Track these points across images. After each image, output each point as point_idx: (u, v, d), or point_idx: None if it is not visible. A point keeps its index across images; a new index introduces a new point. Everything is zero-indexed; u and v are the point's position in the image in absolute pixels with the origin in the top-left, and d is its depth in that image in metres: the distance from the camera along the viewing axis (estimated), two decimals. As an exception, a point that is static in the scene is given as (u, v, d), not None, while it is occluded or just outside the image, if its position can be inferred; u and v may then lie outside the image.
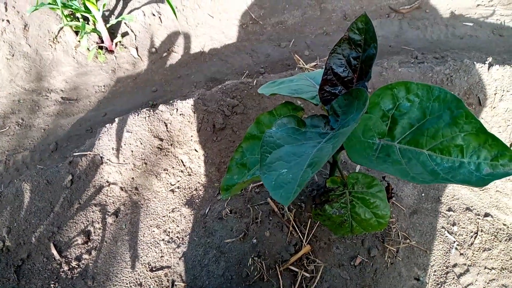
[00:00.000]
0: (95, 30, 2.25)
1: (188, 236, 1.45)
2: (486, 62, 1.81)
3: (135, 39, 2.37)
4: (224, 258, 1.33)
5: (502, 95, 1.75)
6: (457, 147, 0.71)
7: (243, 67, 2.25)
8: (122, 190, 1.60)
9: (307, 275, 1.29)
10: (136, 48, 2.34)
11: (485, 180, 0.67)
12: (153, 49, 2.34)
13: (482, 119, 1.75)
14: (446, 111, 0.74)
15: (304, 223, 1.37)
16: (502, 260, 1.47)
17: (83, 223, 1.52)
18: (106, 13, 2.43)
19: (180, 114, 1.69)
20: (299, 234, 1.34)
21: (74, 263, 1.42)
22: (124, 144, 1.65)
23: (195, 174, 1.62)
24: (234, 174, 1.02)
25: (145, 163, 1.63)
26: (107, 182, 1.61)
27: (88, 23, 2.27)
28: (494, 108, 1.75)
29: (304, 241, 1.32)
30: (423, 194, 1.61)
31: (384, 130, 0.82)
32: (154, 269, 1.41)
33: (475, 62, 1.82)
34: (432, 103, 0.77)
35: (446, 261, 1.45)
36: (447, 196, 1.61)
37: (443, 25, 2.43)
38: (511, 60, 1.91)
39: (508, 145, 1.66)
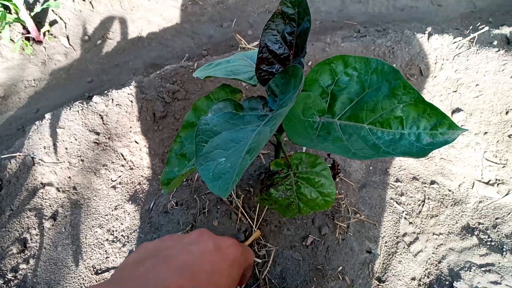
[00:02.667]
0: (18, 19, 2.07)
1: (133, 234, 1.38)
2: (425, 32, 1.82)
3: (65, 28, 2.20)
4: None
5: (442, 64, 1.77)
6: (397, 119, 0.69)
7: (185, 50, 2.16)
8: (58, 191, 1.50)
9: (259, 260, 1.26)
10: (67, 37, 2.18)
11: (425, 150, 0.65)
12: (86, 37, 2.19)
13: (424, 89, 1.77)
14: (384, 83, 0.72)
15: (253, 208, 1.33)
16: (448, 225, 1.51)
17: (18, 231, 1.40)
18: (30, 1, 2.24)
19: (116, 105, 1.59)
20: (249, 220, 1.30)
21: (10, 275, 1.31)
22: (57, 142, 1.53)
23: (137, 167, 1.54)
24: (174, 166, 0.96)
25: (82, 160, 1.53)
26: (42, 184, 1.50)
27: (9, 12, 2.08)
28: (435, 77, 1.77)
29: (254, 227, 1.29)
30: (371, 168, 1.62)
31: (324, 107, 0.79)
32: (99, 271, 1.34)
33: (415, 33, 1.82)
34: (370, 76, 0.74)
35: (396, 232, 1.47)
36: (394, 167, 1.62)
37: (383, -3, 2.44)
38: (449, 29, 1.94)
39: (450, 113, 1.70)
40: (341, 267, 1.33)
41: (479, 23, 2.02)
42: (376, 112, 0.72)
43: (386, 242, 1.44)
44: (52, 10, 2.21)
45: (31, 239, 1.40)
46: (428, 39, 1.80)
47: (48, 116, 1.58)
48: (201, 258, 0.46)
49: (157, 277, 0.41)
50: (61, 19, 2.21)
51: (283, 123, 0.74)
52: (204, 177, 0.62)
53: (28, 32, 2.11)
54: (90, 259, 1.36)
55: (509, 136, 1.63)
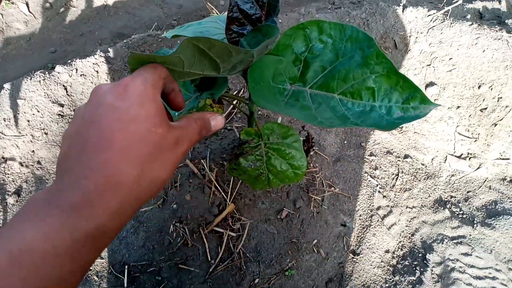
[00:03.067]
0: (-29, -17, 1.92)
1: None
2: (400, 4, 1.80)
3: (24, -6, 2.06)
4: (143, 228, 1.23)
5: (417, 37, 1.76)
6: (369, 90, 0.66)
7: (153, 20, 2.06)
8: (22, 165, 1.41)
9: (233, 234, 1.23)
10: (27, 4, 2.04)
11: (395, 124, 0.62)
12: (48, 4, 2.05)
13: (399, 63, 1.76)
14: (358, 51, 0.68)
15: (227, 182, 1.29)
16: (421, 198, 1.52)
17: (-24, 207, 1.32)
18: (-16, -37, 2.08)
19: (81, 75, 1.49)
20: (223, 193, 1.26)
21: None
22: (18, 114, 1.44)
23: (105, 140, 1.46)
24: None
25: (46, 133, 1.44)
26: (3, 158, 1.41)
27: (-38, -24, 1.92)
28: (409, 50, 1.76)
29: (228, 200, 1.25)
30: (345, 142, 1.60)
31: (296, 75, 0.74)
32: (66, 248, 1.28)
33: (390, 5, 1.80)
34: (345, 44, 0.70)
35: (370, 205, 1.47)
36: (369, 141, 1.62)
37: (357, -30, 2.39)
38: (424, 2, 1.92)
39: (423, 87, 1.69)
40: (316, 240, 1.32)
41: (453, -2, 2.01)
42: (348, 82, 0.68)
43: (360, 216, 1.44)
44: (10, -25, 2.06)
45: (-9, 216, 1.32)
46: (403, 11, 1.78)
47: (7, 86, 1.47)
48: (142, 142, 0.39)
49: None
50: (19, -16, 2.06)
51: (250, 86, 0.69)
52: None
53: (-17, -2, 1.97)
54: (56, 236, 1.29)
55: (481, 110, 1.65)
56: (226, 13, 0.95)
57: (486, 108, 1.64)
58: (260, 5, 0.75)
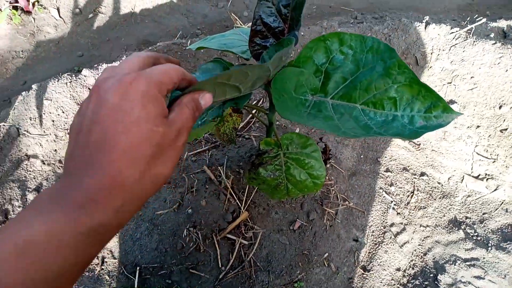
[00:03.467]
0: (7, -13, 2.00)
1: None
2: (423, 21, 1.80)
3: (56, -1, 2.14)
4: (157, 230, 1.25)
5: (438, 54, 1.75)
6: (391, 100, 0.67)
7: (178, 28, 2.11)
8: (44, 163, 1.46)
9: (245, 242, 1.24)
10: (58, 9, 2.12)
11: (418, 133, 0.63)
12: (77, 10, 2.13)
13: (420, 79, 1.75)
14: (379, 62, 0.69)
15: (242, 190, 1.31)
16: (436, 217, 1.51)
17: (-1, 202, 1.37)
18: (20, -31, 2.17)
19: (106, 79, 1.54)
20: (237, 201, 1.28)
21: (-12, 246, 1.28)
22: (44, 113, 1.49)
23: (125, 143, 1.50)
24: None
25: (69, 134, 1.49)
26: (26, 155, 1.46)
27: (-2, -20, 2.01)
28: (430, 67, 1.76)
29: (242, 208, 1.27)
30: (362, 156, 1.60)
31: (317, 86, 0.76)
32: (82, 246, 1.31)
33: (412, 21, 1.80)
34: (365, 55, 0.71)
35: (383, 221, 1.46)
36: (385, 157, 1.61)
37: (382, -14, 2.41)
38: (447, 20, 1.92)
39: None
40: (327, 254, 1.32)
41: (476, 16, 2.00)
42: (370, 92, 0.69)
43: (373, 231, 1.44)
44: (43, -20, 2.14)
45: (13, 211, 1.36)
46: (425, 28, 1.78)
47: (35, 87, 1.53)
48: (146, 138, 0.40)
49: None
50: (52, -11, 2.14)
51: (274, 98, 0.71)
52: None
53: (17, 1, 2.05)
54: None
55: (501, 131, 1.63)
56: (248, 25, 0.97)
57: (506, 129, 1.63)
58: (283, 18, 0.77)
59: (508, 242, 1.46)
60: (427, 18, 1.80)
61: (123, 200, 0.39)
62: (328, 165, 1.45)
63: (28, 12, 2.09)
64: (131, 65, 0.44)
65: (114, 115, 0.39)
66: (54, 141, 1.48)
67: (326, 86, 0.75)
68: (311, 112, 0.72)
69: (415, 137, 0.62)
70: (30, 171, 1.44)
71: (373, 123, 0.67)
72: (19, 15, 2.07)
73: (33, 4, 2.10)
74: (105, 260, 1.27)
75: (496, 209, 1.54)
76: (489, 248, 1.45)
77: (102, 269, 1.26)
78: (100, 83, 0.42)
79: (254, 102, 1.58)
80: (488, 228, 1.50)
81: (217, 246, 1.22)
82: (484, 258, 1.43)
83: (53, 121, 1.49)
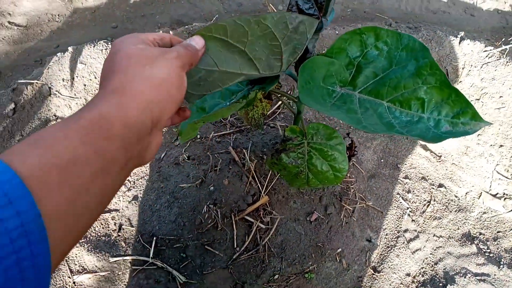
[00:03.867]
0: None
1: (140, 180, 1.36)
2: (458, 35, 1.80)
3: (96, -31, 2.16)
4: (177, 203, 1.26)
5: (470, 70, 1.75)
6: (418, 101, 0.66)
7: (213, 13, 2.12)
8: (70, 126, 1.47)
9: (263, 226, 1.25)
10: (97, -22, 2.14)
11: (441, 137, 0.61)
12: (117, -18, 2.15)
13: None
14: (412, 61, 0.68)
15: (264, 175, 1.32)
16: (450, 229, 1.51)
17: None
18: None
19: (141, 51, 1.56)
20: (258, 185, 1.29)
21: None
22: (77, 77, 1.51)
23: (153, 116, 1.51)
24: (192, 118, 0.94)
25: (99, 99, 1.50)
26: (55, 116, 1.47)
27: None
28: (460, 82, 1.76)
29: (262, 192, 1.28)
30: (382, 160, 1.61)
31: (347, 78, 0.75)
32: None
33: (447, 35, 1.81)
34: (400, 52, 0.71)
35: (398, 226, 1.46)
36: (405, 164, 1.62)
37: (418, -2, 2.41)
38: (481, 39, 1.92)
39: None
40: (340, 249, 1.32)
41: (511, 38, 2.00)
42: (398, 90, 0.68)
43: (387, 234, 1.44)
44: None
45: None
46: (459, 43, 1.78)
47: (70, 49, 1.55)
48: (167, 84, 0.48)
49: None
50: (93, -41, 2.16)
51: (299, 84, 0.71)
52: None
53: (59, -33, 2.07)
54: (93, 197, 1.34)
55: (524, 152, 1.63)
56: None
57: (529, 152, 1.62)
58: (318, 6, 0.77)
59: (519, 263, 1.46)
60: (462, 33, 1.81)
61: (120, 97, 0.44)
62: (350, 163, 1.46)
63: (69, -22, 2.12)
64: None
65: (113, 51, 0.50)
66: (83, 105, 1.49)
67: (356, 79, 0.75)
68: (336, 103, 0.72)
69: (437, 141, 0.61)
70: (56, 131, 1.45)
71: (397, 122, 0.66)
72: (59, -20, 2.09)
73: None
74: (122, 227, 1.28)
75: (511, 229, 1.54)
76: (501, 266, 1.45)
77: (119, 235, 1.27)
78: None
79: (286, 91, 1.59)
80: (502, 247, 1.50)
81: (234, 226, 1.23)
82: (495, 275, 1.43)
83: (84, 85, 1.50)
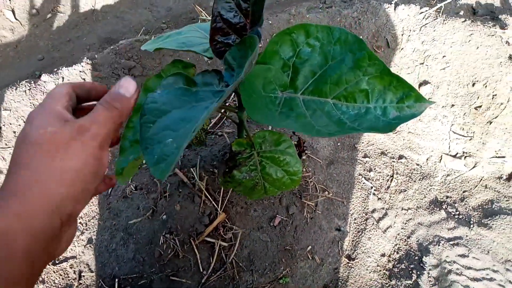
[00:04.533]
0: (-45, -9, 1.88)
1: (92, 221, 1.29)
2: (392, 2, 1.77)
3: (10, 0, 2.02)
4: (132, 240, 1.20)
5: (409, 35, 1.73)
6: (362, 92, 0.65)
7: (142, 23, 2.02)
8: (9, 177, 1.38)
9: (225, 244, 1.20)
10: (13, 11, 2.00)
11: (392, 125, 0.61)
12: (34, 11, 2.02)
13: (392, 62, 1.73)
14: (348, 54, 0.66)
15: (218, 190, 1.27)
16: (417, 199, 1.50)
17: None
18: (-32, -30, 2.04)
19: (67, 84, 1.47)
20: (213, 202, 1.24)
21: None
22: (3, 125, 1.41)
23: (94, 149, 1.44)
24: (128, 155, 0.87)
25: (33, 144, 1.41)
26: (-11, 170, 1.38)
27: None
28: (402, 49, 1.74)
29: (219, 209, 1.23)
30: (339, 144, 1.58)
31: (286, 82, 0.72)
32: (57, 261, 1.25)
33: (381, 3, 1.77)
34: (333, 47, 0.68)
35: (365, 208, 1.45)
36: (362, 142, 1.59)
37: (349, -34, 2.36)
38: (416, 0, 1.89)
39: (417, 86, 1.67)
40: (310, 247, 1.29)
41: (445, -6, 1.99)
42: (340, 86, 0.66)
43: (355, 219, 1.42)
44: (-6, -19, 2.02)
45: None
46: (394, 9, 1.75)
47: (-9, 97, 1.44)
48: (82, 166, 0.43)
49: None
50: (4, -10, 2.02)
51: (242, 99, 0.67)
52: (148, 161, 0.55)
53: (-32, 6, 1.93)
54: (45, 250, 1.27)
55: (475, 108, 1.62)
56: (208, 22, 0.92)
57: (480, 106, 1.62)
58: (244, 13, 0.72)
59: (489, 218, 1.47)
60: (395, -2, 1.77)
61: (21, 204, 0.38)
62: (304, 157, 1.42)
63: (-19, 17, 1.98)
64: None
65: (24, 131, 0.43)
66: (18, 153, 1.40)
67: (296, 81, 0.72)
68: (283, 111, 0.69)
69: (389, 130, 0.60)
70: (-6, 186, 1.36)
71: (346, 117, 0.64)
72: (-29, 20, 1.95)
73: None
74: (82, 274, 1.22)
75: (476, 186, 1.54)
76: (471, 226, 1.45)
77: (80, 283, 1.21)
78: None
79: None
80: (469, 206, 1.51)
81: (196, 250, 1.18)
82: (467, 236, 1.44)
83: (14, 132, 1.41)
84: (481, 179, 1.55)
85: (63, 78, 1.47)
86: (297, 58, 0.71)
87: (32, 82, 1.47)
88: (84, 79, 1.48)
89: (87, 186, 0.43)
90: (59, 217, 0.40)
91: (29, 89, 1.45)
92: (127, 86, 0.49)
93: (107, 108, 0.46)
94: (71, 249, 1.27)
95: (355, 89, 0.65)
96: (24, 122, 1.33)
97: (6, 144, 1.40)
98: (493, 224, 1.45)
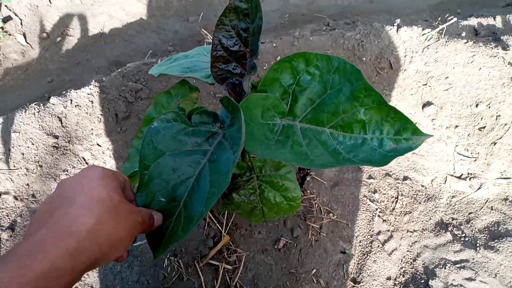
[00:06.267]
0: (-32, 16, 1.94)
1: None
2: (394, 24, 1.79)
3: (21, 24, 2.08)
4: (137, 262, 1.21)
5: (412, 57, 1.75)
6: (359, 123, 0.65)
7: (149, 46, 2.07)
8: (16, 199, 1.40)
9: (229, 267, 1.20)
10: (24, 35, 2.06)
11: (387, 157, 0.61)
12: (44, 34, 2.07)
13: (394, 83, 1.75)
14: (346, 84, 0.68)
15: (222, 213, 1.28)
16: (422, 221, 1.49)
17: (-30, 244, 1.31)
18: (-19, -4, 2.11)
19: (75, 106, 1.49)
20: (217, 225, 1.24)
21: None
22: (12, 147, 1.43)
23: (100, 171, 1.45)
24: (135, 163, 0.90)
25: (40, 166, 1.43)
26: (-4, 192, 1.40)
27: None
28: (405, 70, 1.75)
29: (223, 232, 1.23)
30: (343, 165, 1.58)
31: (284, 109, 0.73)
32: (61, 283, 1.26)
33: (384, 25, 1.79)
34: (332, 76, 0.70)
35: (370, 230, 1.44)
36: (367, 163, 1.59)
37: (352, -11, 2.40)
38: (419, 21, 1.92)
39: (421, 107, 1.68)
40: (315, 270, 1.29)
41: (447, 14, 2.01)
42: (337, 116, 0.67)
43: (360, 242, 1.41)
44: (6, 6, 2.07)
45: (-16, 253, 1.30)
46: (397, 31, 1.77)
47: (1, 119, 1.47)
48: (97, 229, 0.44)
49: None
50: (16, 15, 2.08)
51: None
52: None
53: (-19, 30, 1.99)
54: (50, 272, 1.27)
55: (479, 129, 1.63)
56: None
57: (484, 127, 1.62)
58: (244, 42, 0.74)
59: (496, 240, 1.45)
60: (398, 21, 1.80)
61: (76, 245, 0.41)
62: (308, 178, 1.43)
63: (-7, 40, 2.03)
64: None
65: (75, 186, 0.47)
66: (25, 174, 1.42)
67: (295, 108, 0.73)
68: (280, 139, 0.70)
69: (385, 163, 0.60)
70: (2, 208, 1.38)
71: (342, 147, 0.65)
72: (-16, 44, 2.00)
73: (-4, 31, 2.04)
74: (85, 296, 1.22)
75: (481, 208, 1.53)
76: (478, 248, 1.44)
77: (83, 306, 1.21)
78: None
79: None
80: (475, 228, 1.49)
81: (200, 273, 1.18)
82: (473, 258, 1.42)
83: (22, 154, 1.43)
84: (487, 201, 1.54)
85: (71, 100, 1.50)
86: (297, 85, 0.73)
87: (41, 104, 1.50)
88: (92, 101, 1.51)
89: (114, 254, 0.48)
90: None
91: (38, 112, 1.48)
92: (159, 219, 0.57)
93: (148, 219, 0.54)
94: (76, 271, 1.27)
95: (352, 120, 0.66)
96: (34, 143, 1.35)
97: (14, 166, 1.42)
98: (500, 247, 1.43)
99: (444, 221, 1.50)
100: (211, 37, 1.97)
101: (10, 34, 2.05)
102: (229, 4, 0.70)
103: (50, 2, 2.12)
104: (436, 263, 1.40)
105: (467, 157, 1.61)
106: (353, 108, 0.65)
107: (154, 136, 0.64)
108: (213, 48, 0.75)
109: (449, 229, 1.48)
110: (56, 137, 1.47)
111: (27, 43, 2.06)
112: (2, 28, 2.05)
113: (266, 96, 0.73)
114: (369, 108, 0.64)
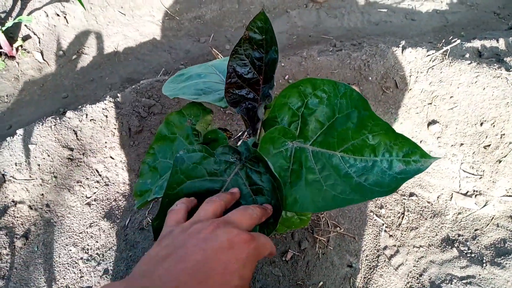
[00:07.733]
0: (-11, 34, 2.02)
1: (108, 252, 1.33)
2: (399, 45, 1.85)
3: (39, 42, 2.16)
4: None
5: (417, 77, 1.79)
6: (369, 147, 0.68)
7: (161, 65, 2.14)
8: (31, 208, 1.44)
9: (238, 277, 1.22)
10: (41, 52, 2.14)
11: (398, 180, 0.63)
12: (61, 52, 2.15)
13: (400, 102, 1.79)
14: (354, 110, 0.70)
15: (231, 223, 1.30)
16: (428, 237, 1.51)
17: (-15, 251, 1.34)
18: (2, 15, 2.20)
19: (90, 120, 1.55)
20: (227, 235, 1.27)
21: (-25, 298, 1.25)
22: (29, 158, 1.48)
23: (113, 183, 1.49)
24: (147, 178, 0.93)
25: (55, 177, 1.48)
26: (13, 201, 1.44)
27: (-19, 27, 2.03)
28: (410, 90, 1.80)
29: (232, 242, 1.26)
30: (350, 180, 1.61)
31: (294, 133, 0.76)
32: (72, 292, 1.28)
33: (389, 46, 1.85)
34: (340, 100, 0.72)
35: (376, 245, 1.46)
36: (373, 179, 1.62)
37: (359, 12, 2.47)
38: (423, 43, 1.97)
39: (426, 125, 1.71)
40: (321, 283, 1.30)
41: (451, 37, 2.06)
42: (347, 141, 0.69)
43: (367, 256, 1.43)
44: (25, 25, 2.16)
45: (1, 259, 1.33)
46: (402, 52, 1.82)
47: (19, 132, 1.53)
48: (214, 257, 0.47)
49: (174, 279, 0.44)
50: (34, 34, 2.16)
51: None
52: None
53: (0, 47, 2.06)
54: (64, 278, 1.30)
55: (484, 147, 1.66)
56: (224, 58, 0.97)
57: (489, 145, 1.65)
58: (257, 70, 0.78)
59: (502, 257, 1.46)
60: (403, 42, 1.85)
61: None
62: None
63: (12, 57, 2.11)
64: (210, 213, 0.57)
65: (221, 258, 0.47)
66: (41, 185, 1.47)
67: (305, 131, 0.75)
68: (294, 168, 0.72)
69: (395, 186, 0.62)
70: (17, 217, 1.42)
71: (353, 170, 0.67)
72: (3, 61, 2.08)
73: (17, 49, 2.12)
74: (96, 305, 1.24)
75: (488, 225, 1.55)
76: (484, 264, 1.45)
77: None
78: (223, 225, 0.52)
79: (240, 134, 1.59)
80: (481, 244, 1.50)
81: (209, 282, 1.20)
82: (479, 275, 1.43)
83: (38, 165, 1.48)
84: (493, 218, 1.56)
85: (86, 115, 1.55)
86: (305, 108, 0.76)
87: (58, 118, 1.55)
88: (106, 116, 1.56)
89: None
90: None
91: (54, 125, 1.53)
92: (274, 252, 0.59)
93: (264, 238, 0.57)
94: (87, 279, 1.30)
95: (362, 144, 0.68)
96: (50, 154, 1.39)
97: (30, 176, 1.47)
98: (506, 264, 1.44)
99: (450, 237, 1.52)
100: (222, 57, 2.04)
101: (28, 52, 2.13)
102: (244, 35, 0.74)
103: (67, 22, 2.21)
104: (443, 278, 1.41)
105: (473, 174, 1.63)
106: (362, 135, 0.68)
107: (179, 166, 0.69)
108: (228, 76, 0.79)
109: (455, 245, 1.49)
110: (71, 149, 1.52)
111: (44, 60, 2.13)
112: (21, 46, 2.13)
113: (273, 130, 0.75)
114: (377, 135, 0.67)
